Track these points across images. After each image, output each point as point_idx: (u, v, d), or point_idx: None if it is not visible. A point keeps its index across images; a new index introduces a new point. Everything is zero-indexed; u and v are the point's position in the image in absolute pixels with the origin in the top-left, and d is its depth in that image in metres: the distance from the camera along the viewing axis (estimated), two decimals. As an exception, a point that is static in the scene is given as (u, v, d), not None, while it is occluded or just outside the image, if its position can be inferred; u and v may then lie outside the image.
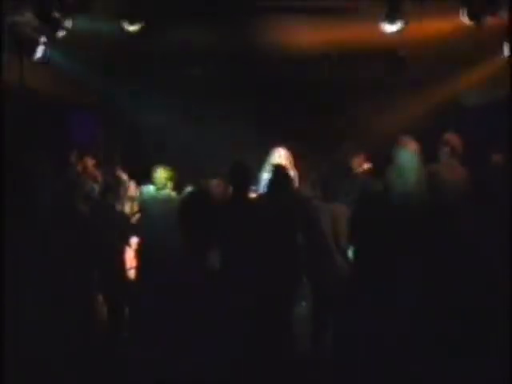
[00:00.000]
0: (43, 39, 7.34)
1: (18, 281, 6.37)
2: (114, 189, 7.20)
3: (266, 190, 6.79)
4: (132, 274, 7.31)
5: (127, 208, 7.57)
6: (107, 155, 8.02)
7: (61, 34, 7.15)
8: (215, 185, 7.00)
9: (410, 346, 6.09)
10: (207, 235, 6.82)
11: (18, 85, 7.32)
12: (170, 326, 6.62)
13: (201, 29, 7.71)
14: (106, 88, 8.58)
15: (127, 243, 7.25)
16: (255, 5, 7.50)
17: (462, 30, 7.31)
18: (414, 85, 8.46)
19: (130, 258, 7.34)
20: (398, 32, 7.29)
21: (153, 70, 8.67)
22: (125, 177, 7.73)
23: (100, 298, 7.03)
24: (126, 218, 7.37)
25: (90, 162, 7.78)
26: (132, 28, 7.40)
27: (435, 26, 7.45)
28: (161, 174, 7.52)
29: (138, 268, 7.30)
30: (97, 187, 7.38)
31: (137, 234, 7.39)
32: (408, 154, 6.63)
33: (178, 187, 7.62)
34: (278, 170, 6.75)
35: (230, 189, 6.76)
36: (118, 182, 7.36)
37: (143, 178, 7.72)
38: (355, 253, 6.63)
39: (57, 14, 7.08)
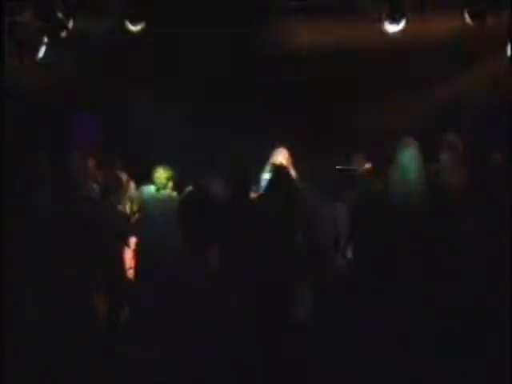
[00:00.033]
0: (44, 39, 7.33)
1: (18, 281, 6.38)
2: (114, 189, 7.20)
3: (265, 190, 6.78)
4: (131, 273, 7.30)
5: (127, 208, 7.56)
6: (107, 155, 8.00)
7: (62, 33, 7.15)
8: None
9: (410, 345, 6.09)
10: (207, 235, 6.82)
11: (17, 85, 7.31)
12: (170, 326, 6.63)
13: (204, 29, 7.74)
14: (106, 88, 8.57)
15: (127, 243, 7.25)
16: (255, 5, 7.50)
17: (462, 30, 7.31)
18: (414, 85, 8.44)
19: (130, 257, 7.33)
20: (398, 32, 7.29)
21: (153, 70, 8.67)
22: (125, 177, 7.71)
23: (100, 297, 7.02)
24: (126, 218, 7.36)
25: (90, 163, 7.77)
26: (134, 28, 7.42)
27: (436, 26, 7.45)
28: (161, 174, 7.53)
29: (138, 268, 7.30)
30: (97, 187, 7.36)
31: (137, 233, 7.38)
32: (410, 154, 6.63)
33: (178, 187, 7.62)
34: (278, 169, 6.75)
35: (230, 189, 6.77)
36: (118, 182, 7.35)
37: (143, 177, 7.71)
38: (355, 253, 6.63)
39: (59, 14, 7.08)
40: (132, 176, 7.85)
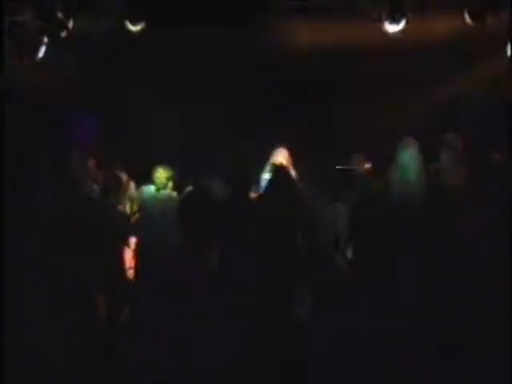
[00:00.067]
0: (44, 39, 7.33)
1: (18, 281, 6.38)
2: (114, 189, 7.20)
3: (265, 190, 6.78)
4: (131, 273, 7.30)
5: (127, 208, 7.57)
6: (107, 155, 8.00)
7: (62, 34, 7.15)
8: None
9: (410, 345, 6.09)
10: (207, 235, 6.83)
11: (17, 85, 7.31)
12: (170, 326, 6.63)
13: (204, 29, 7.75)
14: (106, 88, 8.57)
15: (127, 243, 7.25)
16: (255, 5, 7.49)
17: (462, 30, 7.31)
18: (414, 85, 8.44)
19: (130, 257, 7.33)
20: (398, 32, 7.29)
21: (153, 70, 8.67)
22: (125, 177, 7.71)
23: (100, 297, 7.02)
24: (126, 218, 7.36)
25: (90, 163, 7.77)
26: (134, 28, 7.42)
27: (436, 26, 7.45)
28: (161, 174, 7.53)
29: (138, 268, 7.30)
30: (97, 187, 7.37)
31: (137, 233, 7.38)
32: (410, 154, 6.63)
33: (178, 187, 7.62)
34: (278, 169, 6.75)
35: (230, 189, 6.77)
36: (118, 182, 7.35)
37: (143, 177, 7.71)
38: (355, 253, 6.63)
39: (59, 14, 7.08)
40: (132, 176, 7.85)
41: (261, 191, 7.05)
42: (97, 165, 7.81)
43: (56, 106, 8.41)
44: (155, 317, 6.77)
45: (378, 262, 6.36)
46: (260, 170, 7.77)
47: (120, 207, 7.30)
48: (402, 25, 7.25)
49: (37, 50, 7.36)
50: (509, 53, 7.35)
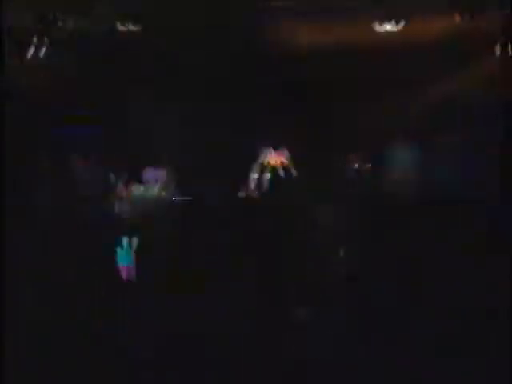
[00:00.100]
0: (44, 39, 7.33)
1: (18, 280, 6.38)
2: (113, 189, 7.21)
3: (266, 190, 6.79)
4: (130, 273, 7.31)
5: (123, 207, 7.58)
6: (107, 155, 8.01)
7: (61, 34, 7.16)
8: None
9: (410, 345, 6.09)
10: (207, 236, 6.84)
11: (17, 85, 7.32)
12: (170, 326, 6.63)
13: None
14: (106, 88, 8.58)
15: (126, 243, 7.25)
16: (255, 5, 7.50)
17: (462, 30, 7.32)
18: (411, 84, 8.45)
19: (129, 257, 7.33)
20: (396, 32, 7.30)
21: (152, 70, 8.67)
22: (124, 177, 7.73)
23: (100, 297, 7.02)
24: (125, 217, 7.37)
25: (90, 163, 7.78)
26: (134, 28, 7.44)
27: (434, 26, 7.46)
28: (152, 173, 7.57)
29: (137, 267, 7.30)
30: (97, 188, 7.37)
31: (137, 233, 7.39)
32: (408, 154, 6.64)
33: (167, 187, 7.65)
34: (278, 170, 6.75)
35: (229, 189, 6.78)
36: (118, 183, 7.36)
37: (135, 177, 7.75)
38: (355, 253, 6.64)
39: (58, 15, 7.09)
40: (132, 176, 7.86)
41: (261, 191, 7.05)
42: (96, 165, 7.82)
43: (56, 105, 8.42)
44: (155, 317, 6.78)
45: (378, 261, 6.36)
46: (259, 170, 7.79)
47: (118, 207, 7.31)
48: (401, 25, 7.26)
49: (37, 50, 7.37)
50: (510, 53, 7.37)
